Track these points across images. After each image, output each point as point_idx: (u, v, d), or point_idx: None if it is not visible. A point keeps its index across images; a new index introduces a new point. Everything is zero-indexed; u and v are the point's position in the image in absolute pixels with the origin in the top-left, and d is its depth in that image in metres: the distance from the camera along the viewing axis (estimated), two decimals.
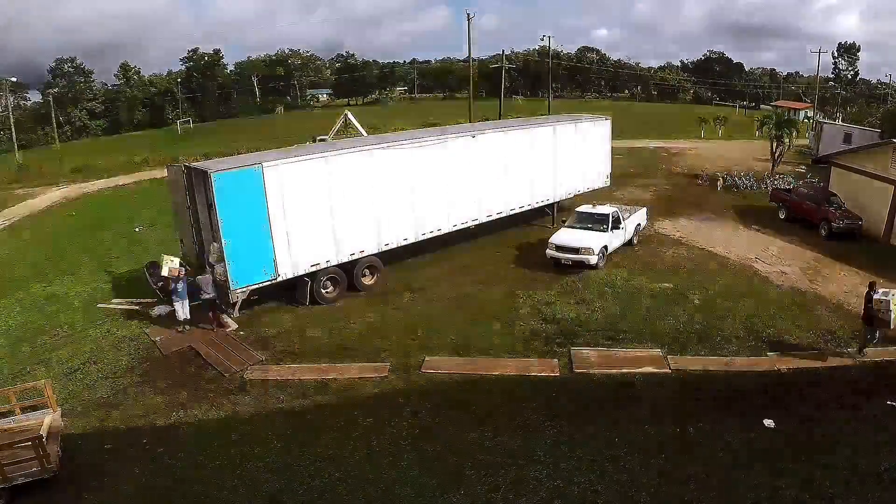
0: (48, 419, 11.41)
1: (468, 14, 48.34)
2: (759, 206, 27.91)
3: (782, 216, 25.90)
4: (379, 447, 11.15)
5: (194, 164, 17.19)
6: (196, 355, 14.91)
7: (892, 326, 13.43)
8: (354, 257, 17.65)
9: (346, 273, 17.74)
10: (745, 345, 14.69)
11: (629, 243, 21.44)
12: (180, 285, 15.78)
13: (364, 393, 13.00)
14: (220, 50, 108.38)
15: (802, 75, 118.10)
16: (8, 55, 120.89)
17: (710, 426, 11.53)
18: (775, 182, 30.64)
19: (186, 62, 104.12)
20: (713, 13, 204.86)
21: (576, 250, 19.03)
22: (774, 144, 32.98)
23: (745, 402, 12.36)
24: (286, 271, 16.12)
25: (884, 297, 13.33)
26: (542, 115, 34.21)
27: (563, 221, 22.14)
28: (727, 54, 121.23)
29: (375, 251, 18.16)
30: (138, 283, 19.67)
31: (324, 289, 17.34)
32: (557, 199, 24.20)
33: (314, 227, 16.45)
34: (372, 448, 11.14)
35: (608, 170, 26.62)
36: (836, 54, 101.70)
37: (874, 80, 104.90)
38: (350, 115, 45.91)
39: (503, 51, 76.91)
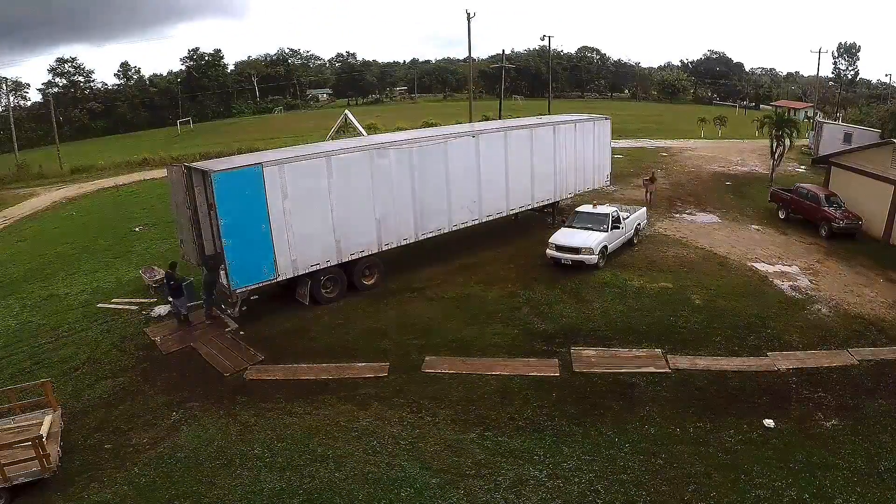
0: (48, 419, 11.43)
1: (468, 13, 48.27)
2: (759, 206, 27.93)
3: (782, 216, 25.93)
4: (379, 447, 11.16)
5: (194, 164, 17.16)
6: (196, 355, 14.91)
7: None
8: (354, 257, 17.64)
9: (347, 273, 17.73)
10: (745, 345, 14.70)
11: (629, 243, 21.44)
12: None
13: (364, 393, 13.00)
14: (220, 49, 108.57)
15: (802, 75, 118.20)
16: None
17: (710, 426, 11.55)
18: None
19: (186, 62, 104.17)
20: None
21: (576, 250, 19.03)
22: (775, 144, 32.96)
23: (745, 402, 12.38)
24: (286, 271, 16.10)
25: None
26: (541, 114, 34.17)
27: (563, 221, 22.14)
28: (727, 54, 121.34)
29: (376, 251, 18.15)
30: (138, 283, 19.70)
31: (324, 289, 17.33)
32: (558, 199, 24.19)
33: (314, 227, 16.43)
34: (372, 448, 11.14)
35: (609, 169, 26.62)
36: (836, 54, 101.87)
37: (874, 80, 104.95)
38: (350, 115, 45.90)
39: (503, 51, 76.88)
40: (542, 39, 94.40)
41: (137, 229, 27.18)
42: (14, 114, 69.18)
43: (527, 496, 9.84)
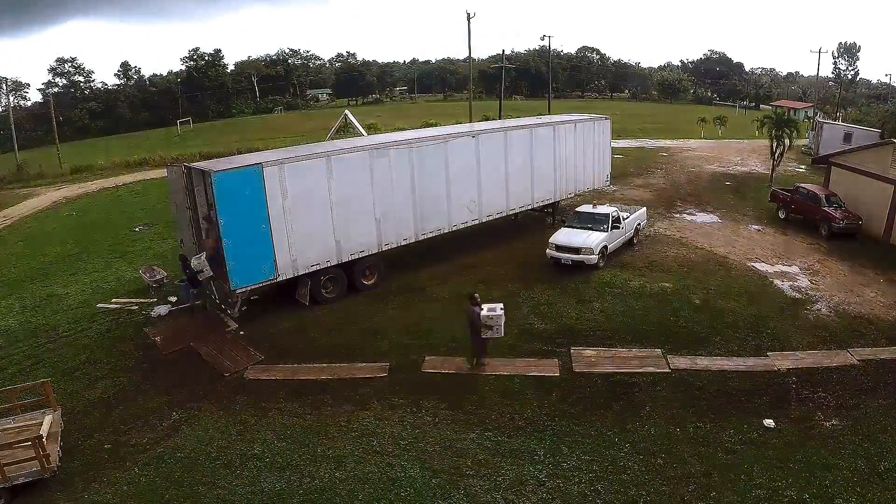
0: (48, 419, 11.43)
1: (468, 13, 48.32)
2: (759, 206, 27.93)
3: (782, 216, 25.92)
4: (379, 447, 11.16)
5: (194, 164, 17.17)
6: (196, 355, 14.91)
7: (503, 334, 13.65)
8: (355, 257, 17.64)
9: (347, 273, 17.73)
10: (745, 345, 14.70)
11: (629, 243, 21.44)
12: None
13: (364, 393, 13.00)
14: (220, 49, 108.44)
15: (802, 75, 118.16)
16: None
17: (710, 426, 11.55)
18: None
19: (187, 61, 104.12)
20: None
21: (576, 250, 19.03)
22: (774, 144, 32.97)
23: (745, 402, 12.38)
24: (286, 271, 16.10)
25: (492, 314, 13.39)
26: (541, 114, 34.16)
27: (563, 221, 22.14)
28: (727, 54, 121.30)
29: (376, 251, 18.15)
30: (138, 283, 19.70)
31: (324, 289, 17.33)
32: (558, 199, 24.19)
33: (314, 228, 16.43)
34: (372, 448, 11.14)
35: (608, 169, 26.62)
36: (836, 54, 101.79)
37: (874, 80, 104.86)
38: (350, 115, 45.91)
39: (503, 51, 76.89)
40: (542, 39, 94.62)
41: (137, 229, 27.18)
42: (14, 114, 69.07)
43: (527, 496, 9.84)
